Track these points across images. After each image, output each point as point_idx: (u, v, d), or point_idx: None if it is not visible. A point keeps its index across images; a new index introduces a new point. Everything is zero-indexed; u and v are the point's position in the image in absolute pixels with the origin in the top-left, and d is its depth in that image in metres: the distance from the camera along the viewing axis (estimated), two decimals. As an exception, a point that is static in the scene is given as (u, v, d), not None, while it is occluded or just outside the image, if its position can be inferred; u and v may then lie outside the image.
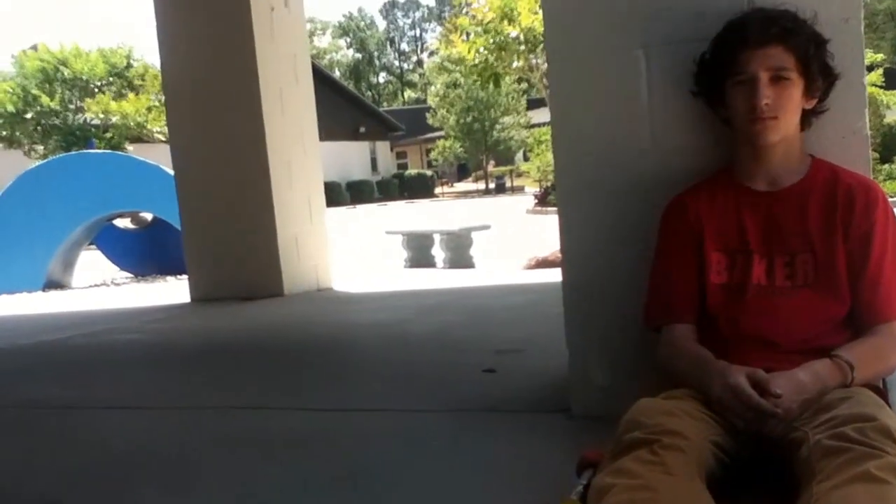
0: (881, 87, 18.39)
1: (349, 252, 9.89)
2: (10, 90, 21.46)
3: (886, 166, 17.22)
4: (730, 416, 1.37)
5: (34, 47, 24.70)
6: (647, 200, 1.93)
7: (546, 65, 2.22)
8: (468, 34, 15.22)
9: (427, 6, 76.34)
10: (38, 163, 11.70)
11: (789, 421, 1.33)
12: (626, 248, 2.04)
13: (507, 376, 2.80)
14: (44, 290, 8.42)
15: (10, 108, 21.09)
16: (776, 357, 1.46)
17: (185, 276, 6.02)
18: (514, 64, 14.57)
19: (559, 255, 2.26)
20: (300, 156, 5.60)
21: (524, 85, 32.67)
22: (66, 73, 21.98)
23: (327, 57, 68.39)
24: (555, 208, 2.33)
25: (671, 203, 1.73)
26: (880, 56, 22.21)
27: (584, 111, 2.12)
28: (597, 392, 2.14)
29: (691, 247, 1.63)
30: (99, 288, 8.82)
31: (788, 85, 1.55)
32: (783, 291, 1.55)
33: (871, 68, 19.49)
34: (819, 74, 1.61)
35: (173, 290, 6.79)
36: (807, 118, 1.65)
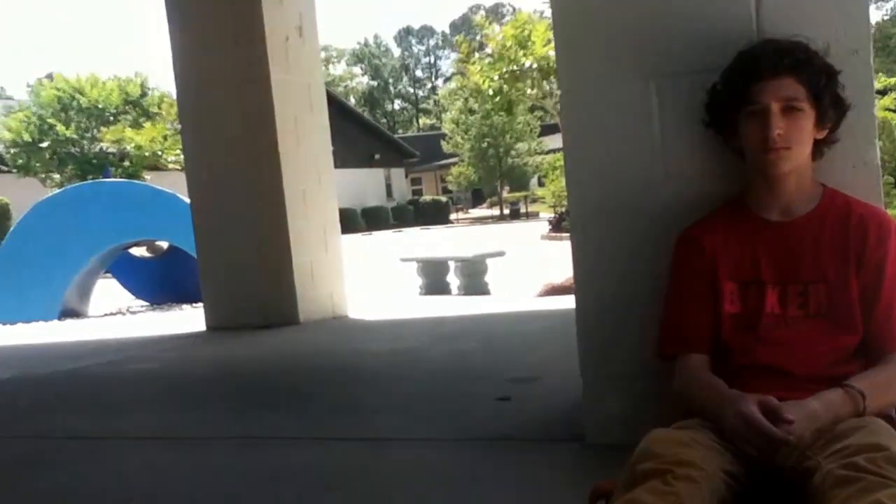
0: (895, 111, 18.24)
1: (364, 279, 9.93)
2: (26, 119, 21.79)
3: None
4: (742, 445, 1.38)
5: (49, 76, 25.13)
6: (660, 229, 1.96)
7: (560, 94, 2.28)
8: (483, 60, 15.37)
9: (442, 32, 77.13)
10: (54, 191, 11.87)
11: (801, 450, 1.34)
12: (639, 276, 2.06)
13: (522, 404, 2.82)
14: (60, 319, 8.48)
15: (27, 136, 21.39)
16: (789, 386, 1.47)
17: (200, 305, 6.06)
18: (529, 91, 14.67)
19: (572, 281, 2.28)
20: (315, 184, 5.65)
21: (539, 112, 32.81)
22: (82, 102, 22.31)
23: (342, 84, 69.05)
24: (568, 234, 2.37)
25: (684, 233, 1.75)
26: (894, 80, 22.05)
27: (596, 141, 2.16)
28: (611, 421, 2.15)
29: (705, 277, 1.65)
30: (115, 316, 8.88)
31: (800, 116, 1.58)
32: (796, 321, 1.57)
33: (884, 92, 19.36)
34: (830, 105, 1.63)
35: (189, 319, 6.84)
36: (818, 148, 1.67)
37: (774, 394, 1.41)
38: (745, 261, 1.63)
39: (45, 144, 21.51)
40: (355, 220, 32.59)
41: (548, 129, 35.55)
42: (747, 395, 1.42)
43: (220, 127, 5.51)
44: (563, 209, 20.76)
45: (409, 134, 60.17)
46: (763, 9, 1.95)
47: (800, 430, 1.35)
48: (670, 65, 2.04)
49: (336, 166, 6.00)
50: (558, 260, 9.98)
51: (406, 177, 43.94)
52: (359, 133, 37.88)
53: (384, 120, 68.82)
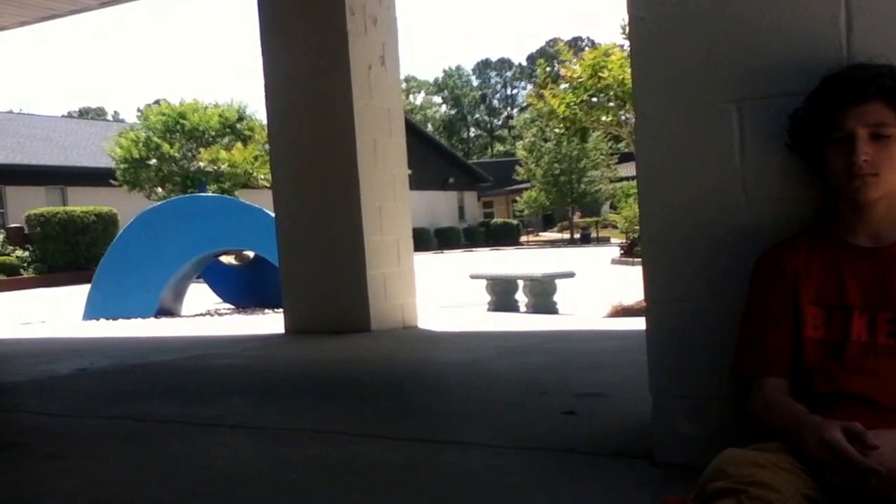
0: None
1: (435, 294, 9.92)
2: (136, 139, 22.89)
3: None
4: (827, 473, 1.28)
5: (157, 102, 26.30)
6: (737, 251, 1.87)
7: (634, 119, 2.18)
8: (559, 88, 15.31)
9: (519, 64, 77.41)
10: (156, 203, 12.32)
11: (892, 481, 1.23)
12: (712, 297, 1.96)
13: (589, 419, 2.70)
14: (156, 317, 8.80)
15: (136, 154, 22.46)
16: (876, 416, 1.37)
17: (280, 310, 6.17)
18: (603, 118, 14.52)
19: (643, 303, 2.18)
20: (391, 202, 5.72)
21: (611, 140, 32.44)
22: (185, 125, 23.28)
23: (422, 112, 70.07)
24: (639, 259, 2.26)
25: (765, 255, 1.65)
26: None
27: (672, 163, 2.05)
28: (680, 440, 2.04)
29: (785, 299, 1.55)
30: (204, 317, 9.17)
31: (889, 142, 1.48)
32: (886, 349, 1.45)
33: None
34: None
35: (270, 322, 6.96)
36: None
37: (860, 423, 1.30)
38: (830, 285, 1.52)
39: (151, 162, 22.53)
40: (428, 239, 32.82)
41: (623, 157, 35.11)
42: (830, 420, 1.32)
43: (304, 148, 5.65)
44: (635, 235, 20.37)
45: (484, 160, 60.45)
46: (854, 33, 1.81)
47: (890, 459, 1.25)
48: (754, 88, 1.92)
49: (412, 188, 6.05)
50: (628, 283, 9.77)
51: (478, 200, 44.06)
52: (435, 158, 38.26)
53: (460, 146, 69.35)
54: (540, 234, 42.07)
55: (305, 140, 5.63)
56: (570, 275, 8.75)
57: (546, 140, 36.19)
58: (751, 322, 1.62)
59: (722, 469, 1.27)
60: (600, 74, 13.81)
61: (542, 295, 8.40)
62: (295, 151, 5.71)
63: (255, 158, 22.25)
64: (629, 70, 2.46)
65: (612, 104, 14.23)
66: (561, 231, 39.89)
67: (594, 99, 14.15)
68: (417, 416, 2.95)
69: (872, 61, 1.59)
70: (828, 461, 1.27)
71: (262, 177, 21.32)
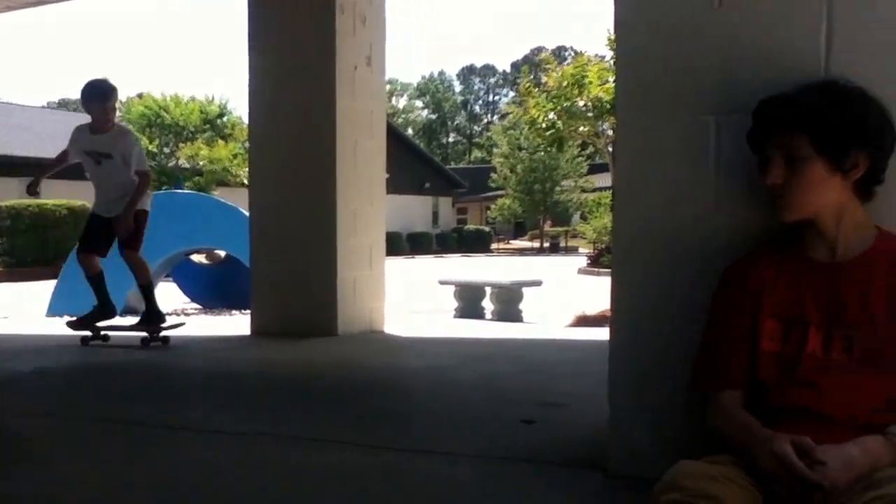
0: None
1: (403, 299, 9.88)
2: (116, 133, 22.52)
3: None
4: (774, 486, 1.30)
5: (140, 95, 25.90)
6: (706, 264, 1.85)
7: (611, 131, 2.16)
8: (541, 96, 15.40)
9: (503, 71, 77.65)
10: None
11: (835, 495, 1.25)
12: (678, 309, 1.94)
13: (547, 429, 2.69)
14: (121, 315, 8.61)
15: (114, 148, 22.11)
16: (825, 431, 1.37)
17: (248, 312, 6.07)
18: (581, 129, 14.64)
19: (605, 313, 2.16)
20: (367, 205, 5.63)
21: (588, 150, 32.68)
22: (166, 120, 22.96)
23: (404, 116, 70.01)
24: (606, 269, 2.24)
25: (731, 267, 1.65)
26: None
27: (648, 173, 2.03)
28: (635, 453, 2.03)
29: (747, 312, 1.55)
30: (170, 316, 8.98)
31: (801, 164, 1.50)
32: (839, 365, 1.46)
33: None
34: (851, 147, 1.49)
35: (236, 323, 6.86)
36: (862, 190, 1.54)
37: (809, 437, 1.32)
38: (790, 299, 1.53)
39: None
40: (400, 244, 32.74)
41: (595, 168, 35.35)
42: (781, 434, 1.33)
43: (283, 146, 5.54)
44: (603, 245, 20.51)
45: (461, 166, 60.56)
46: (833, 50, 1.81)
47: (835, 474, 1.26)
48: (733, 101, 1.90)
49: (388, 192, 5.97)
50: (593, 293, 9.81)
51: (453, 206, 44.09)
52: (412, 162, 38.20)
53: (439, 151, 69.41)
54: (510, 241, 42.20)
55: (285, 138, 5.52)
56: (538, 283, 8.78)
57: (521, 149, 36.38)
58: (712, 334, 1.62)
59: (675, 481, 1.28)
60: (581, 84, 13.93)
61: (509, 302, 8.41)
62: (274, 150, 5.58)
63: (235, 156, 22.04)
64: (606, 87, 2.44)
65: (590, 114, 14.34)
66: (531, 239, 40.06)
67: (570, 105, 14.25)
68: (377, 423, 2.91)
69: (847, 79, 1.58)
70: (776, 474, 1.28)
71: (241, 175, 21.11)
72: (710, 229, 1.92)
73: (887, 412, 1.41)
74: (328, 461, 2.39)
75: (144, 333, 5.11)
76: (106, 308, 5.20)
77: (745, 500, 1.27)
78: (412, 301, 10.07)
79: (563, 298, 10.50)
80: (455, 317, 8.48)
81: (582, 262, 21.13)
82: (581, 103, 13.84)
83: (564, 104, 14.12)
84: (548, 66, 15.73)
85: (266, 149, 5.67)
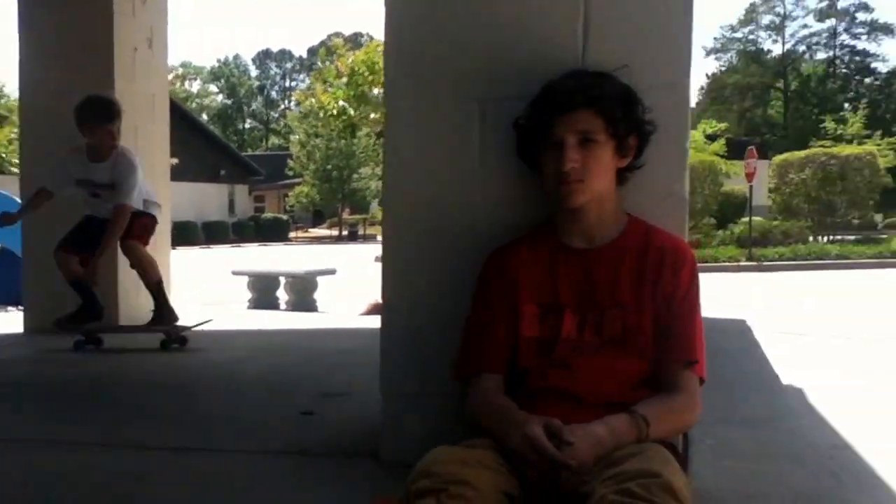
0: (723, 156, 17.96)
1: (196, 291, 9.41)
2: None
3: (721, 231, 16.88)
4: (525, 468, 1.32)
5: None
6: (471, 251, 1.85)
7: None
8: (331, 86, 15.16)
9: (300, 57, 75.86)
10: None
11: (581, 474, 1.29)
12: (446, 297, 1.95)
13: (326, 419, 2.73)
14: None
15: None
16: (578, 410, 1.43)
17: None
18: (372, 115, 14.57)
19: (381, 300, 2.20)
20: (150, 193, 5.31)
21: (379, 137, 32.91)
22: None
23: (198, 101, 66.13)
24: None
25: (491, 255, 1.68)
26: (724, 125, 23.16)
27: (415, 162, 2.04)
28: (406, 439, 2.06)
29: (507, 299, 1.58)
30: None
31: (595, 147, 1.53)
32: (590, 347, 1.52)
33: (714, 137, 19.29)
34: (631, 133, 1.59)
35: (10, 320, 6.17)
36: (622, 175, 1.62)
37: (563, 418, 1.36)
38: (547, 285, 1.58)
39: None
40: (195, 234, 31.07)
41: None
42: (534, 416, 1.37)
43: (59, 130, 5.05)
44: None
45: (258, 153, 58.50)
46: (590, 39, 1.88)
47: (582, 453, 1.30)
48: (496, 88, 1.93)
49: (181, 179, 5.66)
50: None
51: (250, 194, 42.55)
52: (206, 148, 36.36)
53: (235, 138, 66.48)
54: (309, 230, 41.58)
55: (60, 122, 5.03)
56: (332, 272, 8.77)
57: (318, 136, 35.86)
58: (473, 321, 1.64)
59: (427, 468, 1.29)
60: (374, 71, 13.82)
61: (303, 292, 8.33)
62: (48, 134, 5.14)
63: (10, 142, 19.53)
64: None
65: (381, 100, 14.32)
66: (330, 227, 39.76)
67: (365, 95, 14.14)
68: (148, 422, 2.79)
69: (595, 67, 1.64)
70: (528, 457, 1.31)
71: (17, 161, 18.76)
72: (476, 217, 1.95)
73: (636, 392, 1.48)
74: (84, 466, 2.26)
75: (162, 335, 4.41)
76: (93, 308, 4.35)
77: (498, 484, 1.28)
78: (206, 293, 9.62)
79: (358, 287, 10.58)
80: (249, 308, 8.24)
81: (379, 249, 21.29)
82: (376, 91, 13.78)
83: (357, 90, 13.99)
84: (338, 52, 15.54)
85: (40, 133, 5.27)
